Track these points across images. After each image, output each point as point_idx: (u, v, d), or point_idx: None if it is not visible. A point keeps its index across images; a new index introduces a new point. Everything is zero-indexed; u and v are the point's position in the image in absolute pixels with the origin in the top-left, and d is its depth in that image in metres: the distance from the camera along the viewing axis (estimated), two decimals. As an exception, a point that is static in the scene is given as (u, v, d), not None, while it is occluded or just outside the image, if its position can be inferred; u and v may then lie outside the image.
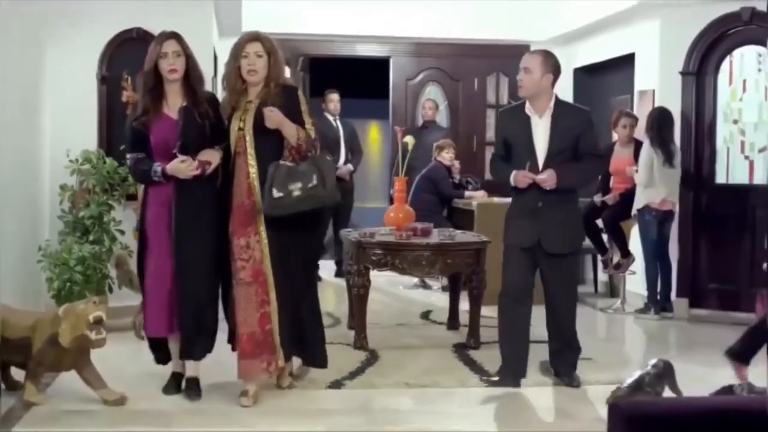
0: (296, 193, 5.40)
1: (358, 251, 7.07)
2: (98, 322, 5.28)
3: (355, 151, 11.13)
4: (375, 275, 7.38)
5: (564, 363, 6.14)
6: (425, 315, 8.57)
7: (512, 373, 6.02)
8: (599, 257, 9.61)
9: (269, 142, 5.50)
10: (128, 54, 8.16)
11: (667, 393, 5.21)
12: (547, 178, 5.73)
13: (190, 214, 5.53)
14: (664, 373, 5.31)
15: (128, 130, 5.66)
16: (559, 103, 5.94)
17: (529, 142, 5.86)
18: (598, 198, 9.08)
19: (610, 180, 9.14)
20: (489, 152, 12.04)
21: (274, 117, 5.43)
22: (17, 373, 5.71)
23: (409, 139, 8.22)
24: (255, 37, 5.60)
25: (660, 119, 8.50)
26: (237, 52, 5.57)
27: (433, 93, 12.10)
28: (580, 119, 5.95)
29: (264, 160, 5.48)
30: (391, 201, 10.46)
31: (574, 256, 6.17)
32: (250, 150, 5.52)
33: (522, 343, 6.08)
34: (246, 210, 5.53)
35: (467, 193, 10.14)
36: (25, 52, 7.71)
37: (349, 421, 5.35)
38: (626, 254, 8.99)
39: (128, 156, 5.68)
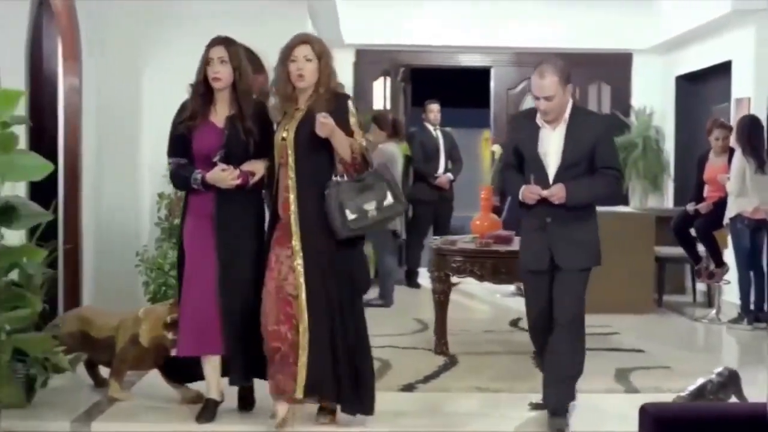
0: (372, 213, 5.07)
1: (439, 258, 7.21)
2: (175, 323, 5.51)
3: (455, 160, 11.25)
4: (473, 283, 7.52)
5: (552, 398, 5.43)
6: (515, 322, 8.65)
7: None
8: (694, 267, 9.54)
9: (314, 155, 5.12)
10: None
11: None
12: (555, 193, 5.21)
13: (232, 228, 5.26)
14: (729, 381, 5.30)
15: (171, 133, 5.43)
16: (576, 112, 5.36)
17: (536, 155, 5.31)
18: (691, 207, 9.02)
19: (703, 189, 9.06)
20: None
21: (327, 125, 5.00)
22: (105, 372, 6.01)
23: (497, 148, 8.31)
24: (304, 39, 5.24)
25: (750, 127, 8.41)
26: (285, 56, 5.18)
27: (533, 103, 12.08)
28: (597, 129, 5.35)
29: (304, 173, 5.11)
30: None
31: (580, 275, 5.39)
32: (291, 161, 5.13)
33: None
34: (282, 224, 5.16)
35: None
36: (124, 66, 8.12)
37: (414, 422, 5.49)
38: (720, 263, 8.91)
39: (170, 160, 5.41)
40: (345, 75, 11.74)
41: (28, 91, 6.60)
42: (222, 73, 5.29)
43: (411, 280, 10.89)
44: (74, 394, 5.88)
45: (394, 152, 9.59)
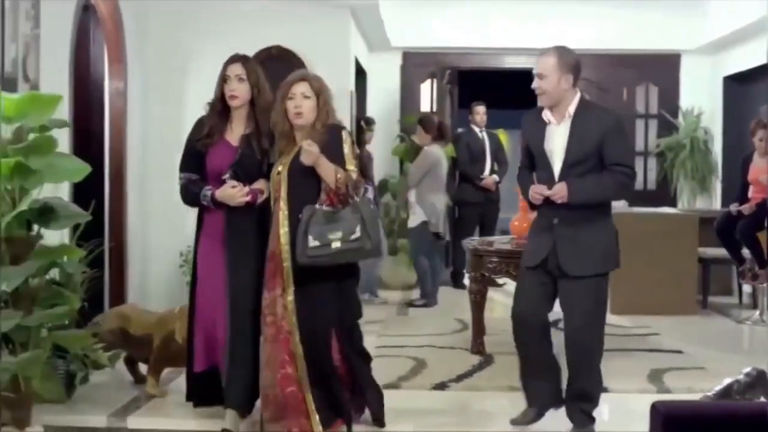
0: (336, 244, 4.88)
1: (475, 259, 7.27)
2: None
3: (501, 162, 11.29)
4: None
5: (575, 411, 5.27)
6: (555, 323, 8.62)
7: (536, 408, 5.35)
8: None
9: (306, 187, 5.00)
10: (267, 71, 8.59)
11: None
12: (557, 192, 5.03)
13: (242, 247, 5.20)
14: (757, 381, 5.29)
15: (186, 148, 5.39)
16: (583, 107, 5.10)
17: (543, 152, 5.15)
18: (734, 207, 8.98)
19: (748, 190, 9.01)
20: (638, 162, 12.06)
21: (311, 152, 4.91)
22: (145, 368, 6.15)
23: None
24: (302, 77, 5.17)
25: (790, 126, 8.36)
26: (284, 94, 5.10)
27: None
28: (604, 124, 5.03)
29: (297, 206, 4.98)
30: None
31: (597, 280, 5.11)
32: (284, 194, 5.02)
33: (541, 376, 5.35)
34: (275, 260, 5.04)
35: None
36: (167, 68, 8.30)
37: (441, 420, 5.58)
38: (763, 265, 8.85)
39: (181, 175, 5.37)
40: (392, 78, 11.88)
41: (73, 95, 6.78)
42: (238, 91, 5.24)
43: (456, 281, 10.94)
44: (113, 390, 6.05)
45: (439, 155, 9.67)
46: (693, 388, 6.10)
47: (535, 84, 5.07)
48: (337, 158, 5.02)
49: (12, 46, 5.57)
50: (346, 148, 5.09)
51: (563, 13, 11.66)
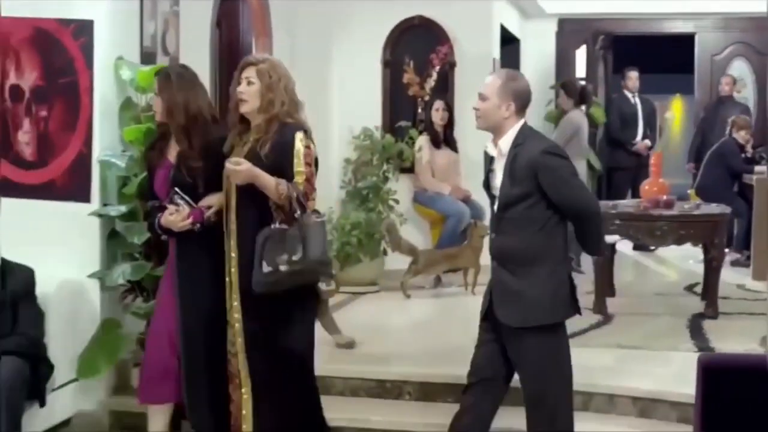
0: (283, 266, 4.38)
1: (599, 221, 7.46)
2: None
3: (653, 128, 11.34)
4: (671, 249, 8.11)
5: None
6: (690, 287, 8.72)
7: None
8: None
9: (257, 197, 4.48)
10: (410, 40, 9.07)
11: None
12: None
13: (190, 270, 4.77)
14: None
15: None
16: (521, 136, 4.39)
17: (489, 188, 4.57)
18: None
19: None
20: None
21: (237, 171, 4.40)
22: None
23: (670, 115, 8.44)
24: (248, 61, 4.67)
25: None
26: (235, 80, 4.65)
27: (739, 68, 11.96)
28: (532, 157, 4.29)
29: (247, 219, 4.54)
30: (695, 178, 10.67)
31: (545, 335, 4.37)
32: (233, 204, 4.58)
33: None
34: (229, 283, 4.66)
35: (756, 168, 10.08)
36: (314, 39, 8.75)
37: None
38: None
39: (147, 204, 5.03)
40: (547, 45, 12.03)
41: (218, 66, 7.37)
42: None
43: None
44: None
45: (580, 120, 9.80)
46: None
47: (475, 105, 4.48)
48: (285, 162, 4.48)
49: (150, 23, 6.13)
50: (298, 146, 4.50)
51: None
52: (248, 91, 4.54)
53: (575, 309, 4.47)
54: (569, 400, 4.50)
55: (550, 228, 4.35)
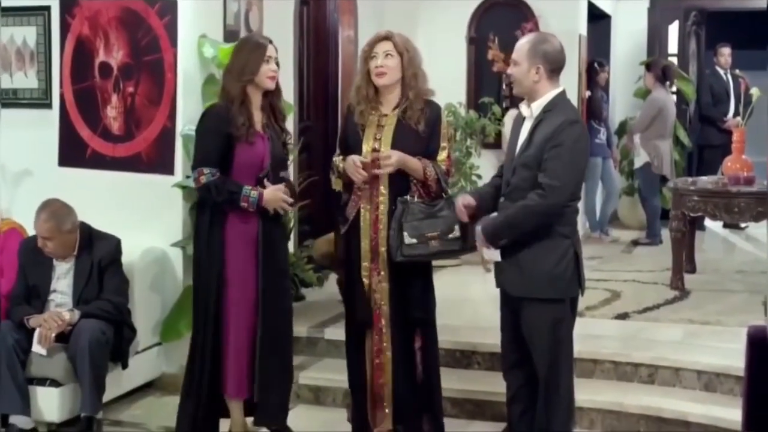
0: (433, 243, 4.55)
1: (677, 198, 7.50)
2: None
3: (745, 105, 11.19)
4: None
5: None
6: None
7: None
8: None
9: (402, 174, 4.65)
10: (494, 17, 9.19)
11: None
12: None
13: (275, 258, 4.87)
14: None
15: (209, 138, 4.76)
16: (552, 104, 4.33)
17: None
18: None
19: None
20: None
21: (393, 163, 4.57)
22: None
23: (755, 91, 8.37)
24: (385, 35, 4.73)
25: None
26: (366, 56, 4.73)
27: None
28: (556, 123, 4.25)
29: (397, 191, 4.65)
30: (788, 153, 10.54)
31: (548, 306, 4.33)
32: (385, 177, 4.65)
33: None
34: (374, 248, 4.73)
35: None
36: (398, 16, 8.88)
37: (605, 344, 5.93)
38: None
39: (206, 170, 4.68)
40: (639, 21, 11.96)
41: (305, 43, 7.65)
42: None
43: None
44: (320, 307, 6.77)
45: (665, 99, 9.79)
46: None
47: (509, 70, 4.51)
48: (434, 138, 4.70)
49: (234, 2, 6.35)
50: (444, 130, 4.76)
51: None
52: (388, 64, 4.66)
53: (579, 286, 4.40)
54: (568, 375, 4.46)
55: None
